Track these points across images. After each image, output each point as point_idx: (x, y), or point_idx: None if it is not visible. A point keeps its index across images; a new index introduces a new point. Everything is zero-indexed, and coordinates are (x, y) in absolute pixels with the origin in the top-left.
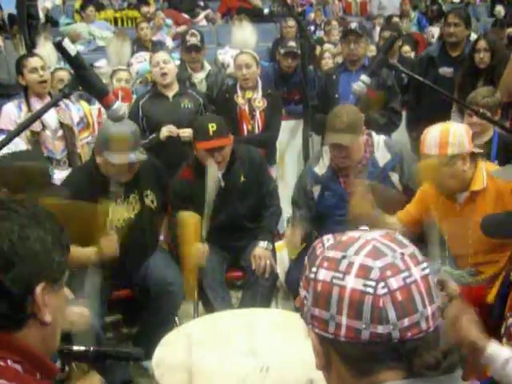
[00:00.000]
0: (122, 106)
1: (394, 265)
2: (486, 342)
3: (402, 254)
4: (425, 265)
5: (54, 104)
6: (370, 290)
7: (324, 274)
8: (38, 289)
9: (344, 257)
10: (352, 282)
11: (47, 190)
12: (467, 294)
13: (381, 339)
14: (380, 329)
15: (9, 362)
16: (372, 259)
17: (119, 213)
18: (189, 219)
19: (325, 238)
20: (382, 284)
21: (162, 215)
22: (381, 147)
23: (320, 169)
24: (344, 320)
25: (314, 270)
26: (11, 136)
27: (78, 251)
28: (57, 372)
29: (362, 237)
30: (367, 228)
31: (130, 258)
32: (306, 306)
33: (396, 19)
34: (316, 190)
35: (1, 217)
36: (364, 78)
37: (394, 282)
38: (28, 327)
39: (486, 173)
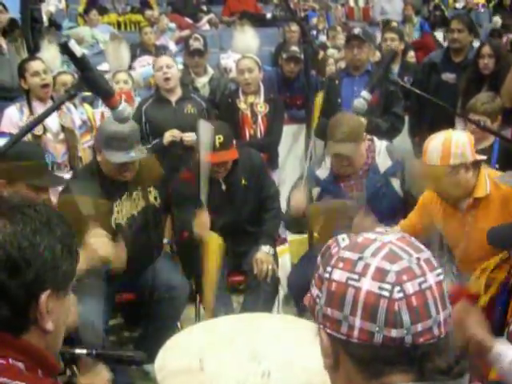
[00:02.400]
0: (126, 108)
1: (410, 269)
2: (492, 341)
3: (418, 258)
4: (439, 271)
5: (60, 105)
6: (386, 293)
7: (339, 275)
8: (43, 296)
9: (360, 258)
10: (368, 285)
11: (45, 178)
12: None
13: (393, 343)
14: (393, 333)
15: (10, 360)
16: (389, 262)
17: (124, 210)
18: (212, 244)
19: (340, 237)
20: (397, 288)
21: (165, 215)
22: (382, 153)
23: (322, 172)
24: (357, 322)
25: (328, 269)
26: (16, 139)
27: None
28: (59, 369)
29: (379, 239)
30: (383, 229)
31: (136, 258)
32: (318, 304)
33: (394, 23)
34: (315, 192)
35: (14, 221)
36: (365, 94)
37: (410, 287)
38: (29, 333)
39: (489, 179)
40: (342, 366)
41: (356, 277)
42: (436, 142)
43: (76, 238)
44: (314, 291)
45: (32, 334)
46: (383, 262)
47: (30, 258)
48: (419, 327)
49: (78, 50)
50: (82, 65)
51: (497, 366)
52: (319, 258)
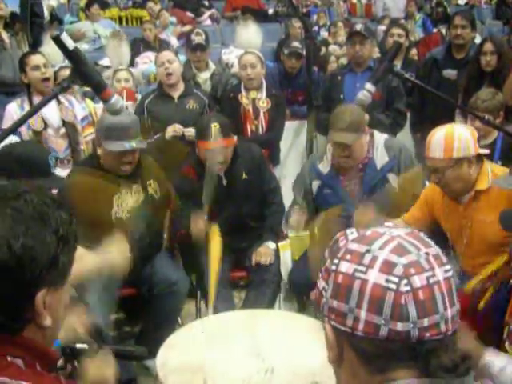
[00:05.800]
0: (119, 100)
1: (418, 263)
2: (482, 350)
3: (427, 253)
4: (448, 267)
5: (54, 97)
6: (393, 286)
7: (346, 267)
8: (39, 296)
9: (368, 251)
10: (374, 277)
11: (46, 179)
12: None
13: (399, 337)
14: (399, 326)
15: (8, 358)
16: (397, 256)
17: (123, 204)
18: (214, 241)
19: (348, 231)
20: (405, 281)
21: (166, 209)
22: (380, 149)
23: (324, 166)
24: (363, 314)
25: (335, 261)
26: (10, 129)
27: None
28: (58, 359)
29: (387, 233)
30: (391, 224)
31: (136, 252)
32: (325, 297)
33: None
34: (315, 185)
35: (2, 218)
36: (369, 86)
37: (418, 281)
38: (27, 330)
39: (491, 173)
40: (346, 359)
41: (363, 269)
42: (439, 135)
43: (74, 225)
44: (321, 284)
45: (29, 330)
46: (391, 254)
47: (23, 260)
48: (426, 322)
49: (71, 43)
50: (74, 57)
51: (487, 374)
52: (327, 251)
